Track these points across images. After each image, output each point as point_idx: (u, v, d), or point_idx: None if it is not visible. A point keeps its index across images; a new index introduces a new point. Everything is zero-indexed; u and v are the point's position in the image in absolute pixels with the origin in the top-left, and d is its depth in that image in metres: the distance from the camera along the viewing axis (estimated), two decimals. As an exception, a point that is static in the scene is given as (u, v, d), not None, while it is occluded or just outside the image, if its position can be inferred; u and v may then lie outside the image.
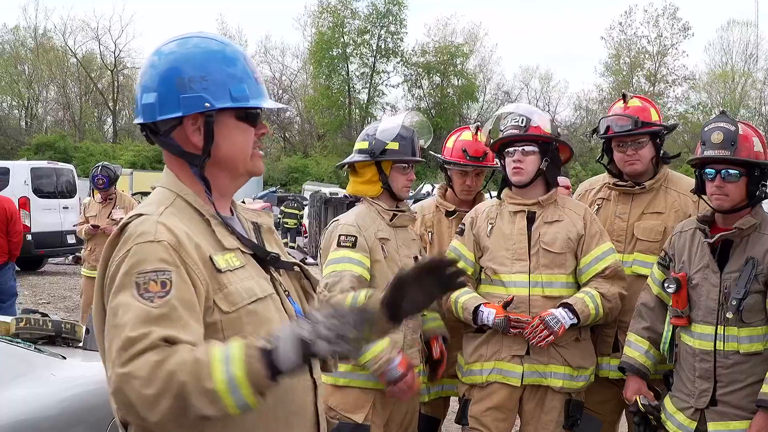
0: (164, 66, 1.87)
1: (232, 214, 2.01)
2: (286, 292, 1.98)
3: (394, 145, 3.69)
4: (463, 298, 3.64)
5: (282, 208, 23.36)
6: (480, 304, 3.60)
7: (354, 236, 3.61)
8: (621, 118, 3.81)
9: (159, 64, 1.88)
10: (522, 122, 3.66)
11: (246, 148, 1.92)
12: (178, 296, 1.69)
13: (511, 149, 3.69)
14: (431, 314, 3.85)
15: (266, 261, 1.96)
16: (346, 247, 3.59)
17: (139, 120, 1.92)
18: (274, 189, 32.92)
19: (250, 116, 1.91)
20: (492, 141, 3.81)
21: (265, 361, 1.59)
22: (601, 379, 3.80)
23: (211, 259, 1.80)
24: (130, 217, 1.82)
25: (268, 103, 1.96)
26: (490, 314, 3.55)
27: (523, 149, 3.65)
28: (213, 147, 1.87)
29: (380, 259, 3.63)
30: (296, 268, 2.07)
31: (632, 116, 3.79)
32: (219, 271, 1.80)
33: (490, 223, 3.74)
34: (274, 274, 1.97)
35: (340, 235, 3.63)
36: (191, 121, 1.86)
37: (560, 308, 3.52)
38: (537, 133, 3.65)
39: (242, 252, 1.91)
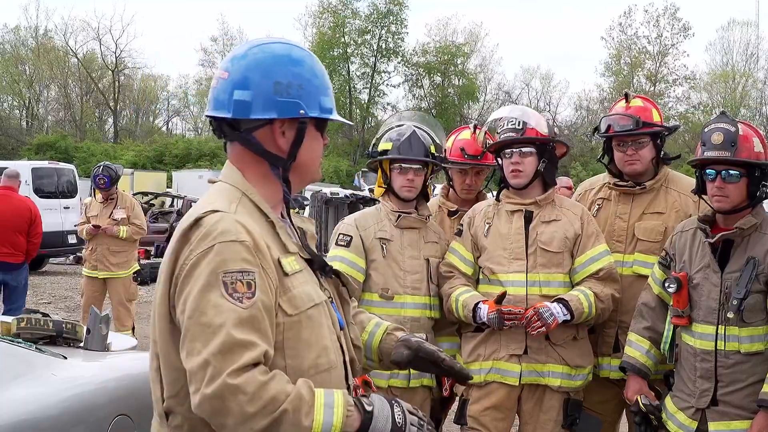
0: (257, 67, 1.92)
1: (283, 218, 2.04)
2: (330, 299, 2.02)
3: (387, 146, 3.77)
4: (464, 296, 3.65)
5: None
6: (479, 302, 3.60)
7: (350, 236, 3.72)
8: (622, 117, 3.81)
9: (250, 64, 1.93)
10: (518, 125, 3.67)
11: (319, 155, 2.04)
12: (261, 298, 1.75)
13: (508, 151, 3.69)
14: (449, 339, 3.87)
15: (320, 268, 2.02)
16: (341, 246, 3.72)
17: (225, 115, 1.93)
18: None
19: (322, 127, 2.01)
20: (489, 143, 3.83)
21: (361, 419, 1.78)
22: (602, 379, 3.81)
23: (279, 261, 1.85)
24: (205, 212, 1.82)
25: (341, 118, 2.07)
26: (485, 310, 3.56)
27: (521, 151, 3.66)
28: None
29: (378, 258, 3.69)
30: (334, 275, 2.11)
31: (633, 116, 3.79)
32: (285, 274, 1.86)
33: (488, 223, 3.74)
34: (322, 281, 2.03)
35: (338, 234, 3.75)
36: (279, 124, 1.92)
37: (555, 302, 3.53)
38: (534, 135, 3.66)
39: (300, 257, 1.96)
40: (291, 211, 2.09)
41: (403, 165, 3.72)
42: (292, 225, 2.05)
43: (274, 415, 1.68)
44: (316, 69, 1.98)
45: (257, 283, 1.75)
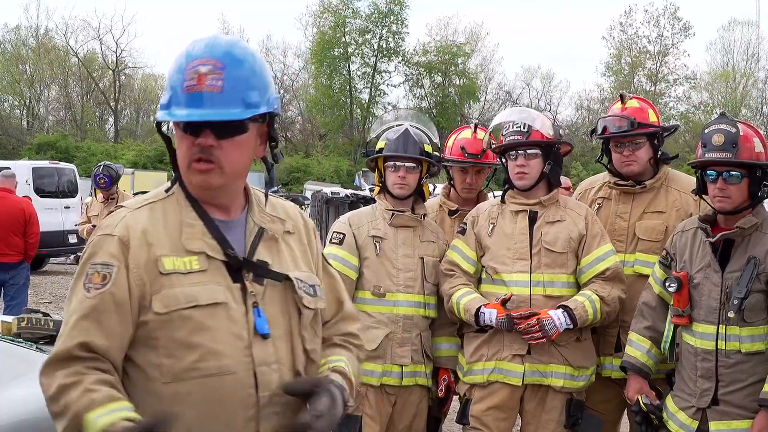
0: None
1: (241, 214, 2.00)
2: (255, 305, 1.92)
3: (383, 144, 3.81)
4: (465, 299, 3.64)
5: None
6: (481, 306, 3.60)
7: (343, 234, 3.76)
8: (618, 119, 3.82)
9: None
10: (524, 128, 3.67)
11: (182, 157, 1.92)
12: (112, 290, 1.82)
13: (513, 153, 3.69)
14: (448, 340, 3.87)
15: (235, 269, 1.92)
16: (334, 244, 3.76)
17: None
18: (275, 189, 32.96)
19: (186, 125, 1.89)
20: (494, 145, 3.82)
21: None
22: (603, 379, 3.81)
23: (158, 260, 1.85)
24: (118, 208, 1.98)
25: (175, 116, 1.89)
26: (492, 314, 3.55)
27: (526, 153, 3.66)
28: (174, 156, 1.96)
29: (370, 256, 3.71)
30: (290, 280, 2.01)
31: (629, 117, 3.80)
32: (161, 273, 1.85)
33: (492, 223, 3.74)
34: (248, 284, 1.93)
35: (332, 232, 3.80)
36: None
37: (559, 310, 3.52)
38: (539, 139, 3.66)
39: (208, 257, 1.90)
40: (270, 207, 2.06)
41: (397, 163, 3.73)
42: (240, 225, 2.00)
43: (68, 421, 1.76)
44: (172, 68, 1.91)
45: (113, 276, 1.82)
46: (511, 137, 3.69)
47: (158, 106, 1.94)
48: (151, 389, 1.83)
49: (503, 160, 3.78)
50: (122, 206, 1.95)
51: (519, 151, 3.67)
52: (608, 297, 3.58)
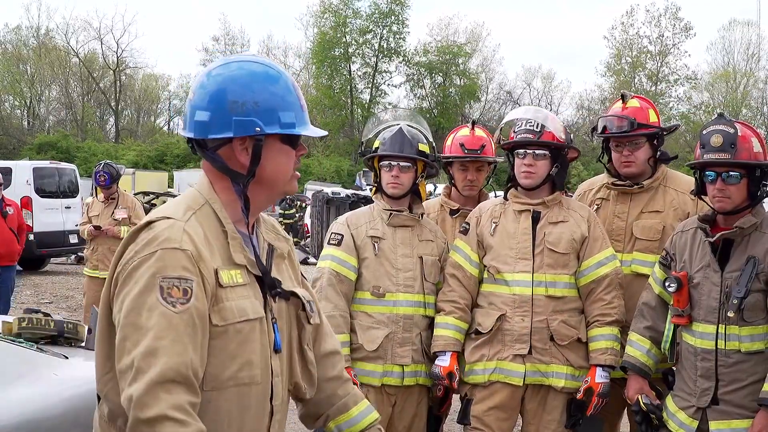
0: (214, 87, 1.97)
1: (253, 231, 2.07)
2: (273, 320, 2.03)
3: (377, 143, 3.82)
4: (438, 331, 3.72)
5: (279, 208, 23.58)
6: (437, 354, 3.70)
7: (341, 235, 3.75)
8: (618, 118, 3.83)
9: (208, 85, 1.97)
10: (536, 127, 3.67)
11: (288, 169, 2.04)
12: (196, 305, 1.82)
13: (521, 151, 3.70)
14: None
15: (269, 288, 2.02)
16: (332, 245, 3.75)
17: (189, 135, 2.00)
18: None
19: (292, 139, 2.01)
20: (503, 141, 3.82)
21: None
22: None
23: (216, 272, 1.89)
24: (158, 217, 1.91)
25: (311, 131, 2.05)
26: (441, 362, 3.68)
27: (535, 153, 3.66)
28: (258, 168, 1.96)
29: (369, 256, 3.71)
30: (296, 297, 2.12)
31: (629, 117, 3.80)
32: (220, 285, 1.90)
33: (494, 222, 3.75)
34: (269, 299, 2.03)
35: (330, 233, 3.79)
36: (240, 141, 1.95)
37: (599, 370, 3.60)
38: (550, 140, 3.66)
39: (248, 271, 1.98)
40: (270, 225, 2.17)
41: (391, 162, 3.73)
42: (255, 240, 2.07)
43: None
44: (274, 85, 1.98)
45: (194, 290, 1.82)
46: (522, 135, 3.69)
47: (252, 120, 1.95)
48: None
49: (510, 157, 3.79)
50: (169, 217, 1.91)
51: (528, 150, 3.68)
52: (618, 314, 3.65)
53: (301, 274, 2.29)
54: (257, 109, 1.94)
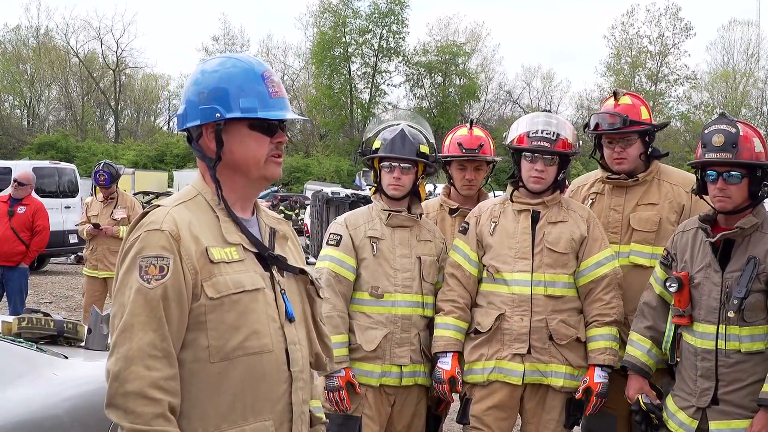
0: (189, 82, 2.15)
1: (253, 215, 2.21)
2: (282, 291, 2.15)
3: (379, 144, 3.80)
4: (439, 331, 3.72)
5: (281, 208, 23.66)
6: (439, 354, 3.70)
7: (339, 235, 3.75)
8: (610, 115, 3.86)
9: (189, 81, 2.15)
10: (553, 136, 3.68)
11: (258, 154, 2.12)
12: (171, 281, 1.95)
13: (528, 154, 3.70)
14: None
15: (273, 262, 2.15)
16: (331, 245, 3.76)
17: (177, 129, 2.19)
18: (276, 188, 33.02)
19: (263, 126, 2.11)
20: (515, 144, 3.79)
21: None
22: (613, 373, 3.79)
23: (207, 250, 2.02)
24: (151, 207, 2.07)
25: (275, 115, 2.12)
26: (440, 372, 3.68)
27: (545, 159, 3.67)
28: (226, 152, 2.09)
29: (368, 257, 3.71)
30: (304, 273, 2.24)
31: (621, 114, 3.83)
32: (212, 261, 2.02)
33: (494, 221, 3.75)
34: (275, 274, 2.15)
35: (329, 234, 3.80)
36: (210, 129, 2.09)
37: (597, 369, 3.61)
38: (563, 149, 3.68)
39: (245, 248, 2.10)
40: (271, 210, 2.31)
41: (392, 164, 3.73)
42: (257, 224, 2.21)
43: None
44: (237, 75, 2.10)
45: (171, 267, 1.95)
46: (537, 143, 3.69)
47: (213, 108, 2.08)
48: (198, 369, 1.99)
49: (515, 157, 3.78)
50: (159, 205, 2.07)
51: (539, 156, 3.68)
52: (617, 314, 3.66)
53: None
54: (218, 96, 2.07)
